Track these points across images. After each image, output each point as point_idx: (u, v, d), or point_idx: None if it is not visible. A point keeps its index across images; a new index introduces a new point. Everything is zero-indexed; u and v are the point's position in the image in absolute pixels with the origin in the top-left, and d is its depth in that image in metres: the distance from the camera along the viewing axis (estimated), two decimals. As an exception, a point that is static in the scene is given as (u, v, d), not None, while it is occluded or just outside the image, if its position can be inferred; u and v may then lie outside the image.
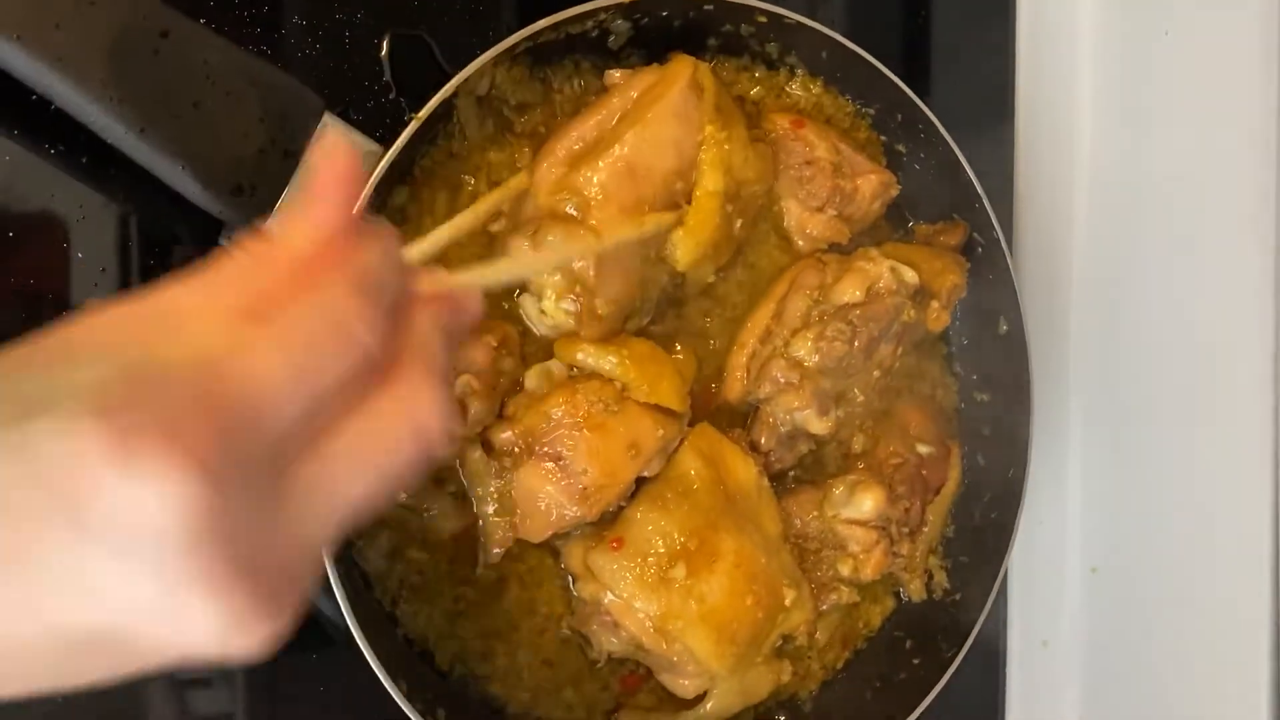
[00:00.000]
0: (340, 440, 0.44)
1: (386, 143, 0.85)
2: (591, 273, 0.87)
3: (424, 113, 0.84)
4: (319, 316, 0.44)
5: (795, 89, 1.03)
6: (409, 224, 0.89)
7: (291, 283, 0.44)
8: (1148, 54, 1.15)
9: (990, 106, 1.18)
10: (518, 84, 0.93)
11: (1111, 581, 1.19)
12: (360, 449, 0.45)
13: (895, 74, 0.99)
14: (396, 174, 0.88)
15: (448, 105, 0.88)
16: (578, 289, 0.88)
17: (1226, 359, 1.05)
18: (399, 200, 0.90)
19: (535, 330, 0.93)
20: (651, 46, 0.96)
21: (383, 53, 0.95)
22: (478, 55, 0.86)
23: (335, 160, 0.49)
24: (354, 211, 0.48)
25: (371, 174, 0.83)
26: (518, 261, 0.85)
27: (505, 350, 0.90)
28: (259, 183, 0.80)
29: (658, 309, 0.96)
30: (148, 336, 0.41)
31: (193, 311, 0.43)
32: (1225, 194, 1.05)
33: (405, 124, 0.85)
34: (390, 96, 0.95)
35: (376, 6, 0.94)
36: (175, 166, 0.77)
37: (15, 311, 0.85)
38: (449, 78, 0.85)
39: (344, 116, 0.92)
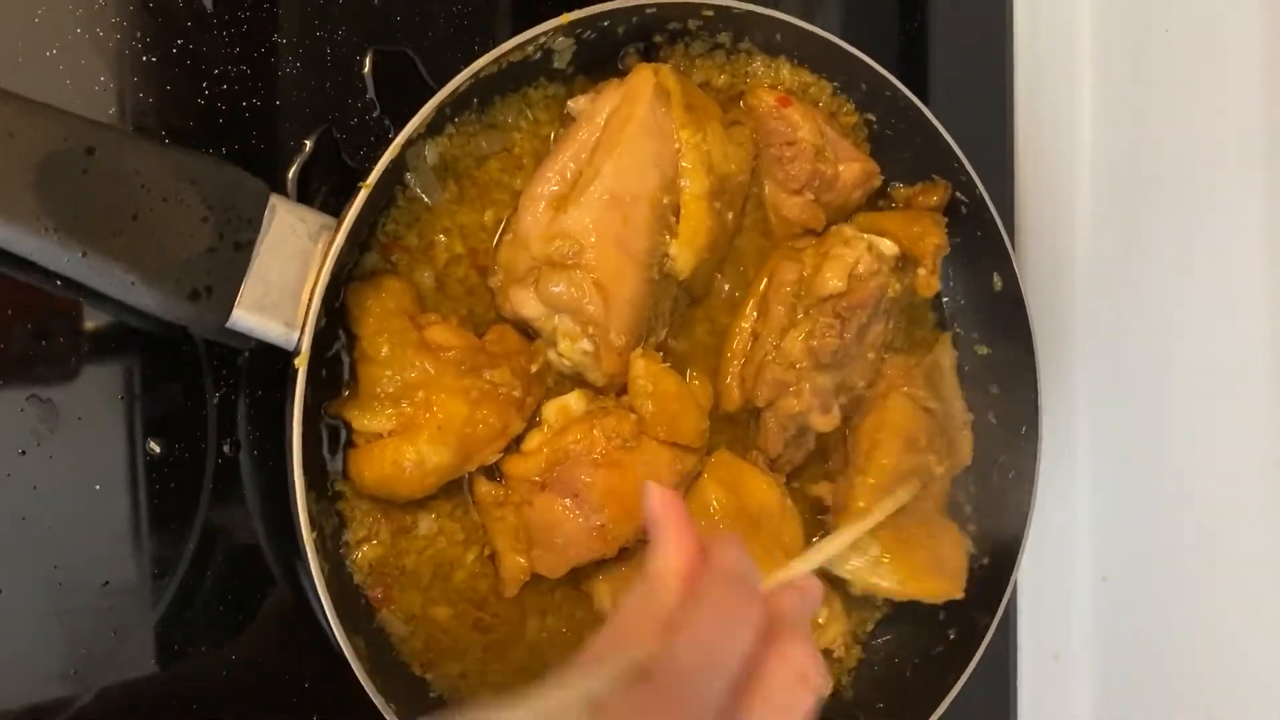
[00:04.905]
0: (755, 701, 0.61)
1: (371, 160, 0.82)
2: (597, 309, 0.85)
3: (372, 178, 0.81)
4: (712, 614, 0.62)
5: (759, 68, 0.99)
6: (383, 290, 0.86)
7: (684, 599, 0.63)
8: (1147, 48, 1.11)
9: (988, 89, 1.15)
10: (470, 138, 0.89)
11: (1123, 590, 1.16)
12: (773, 702, 0.61)
13: (894, 61, 0.96)
14: (358, 241, 0.85)
15: (400, 168, 0.84)
16: (591, 329, 0.86)
17: (1237, 355, 1.02)
18: (369, 264, 0.87)
19: (558, 369, 0.92)
20: (599, 58, 0.92)
21: (365, 70, 0.91)
22: (461, 69, 0.83)
23: (669, 510, 0.67)
24: (696, 539, 0.66)
25: (331, 246, 0.80)
26: (840, 538, 0.89)
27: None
28: (214, 283, 0.76)
29: (673, 319, 0.95)
30: (617, 647, 0.62)
31: (633, 631, 0.62)
32: (1228, 180, 1.01)
33: (389, 142, 0.82)
34: (374, 115, 0.91)
35: (358, 23, 0.91)
36: (125, 283, 0.74)
37: (26, 323, 0.83)
38: (434, 93, 0.82)
39: (327, 136, 0.90)
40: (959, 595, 0.99)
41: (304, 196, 0.89)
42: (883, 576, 0.95)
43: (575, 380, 0.92)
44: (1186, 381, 1.08)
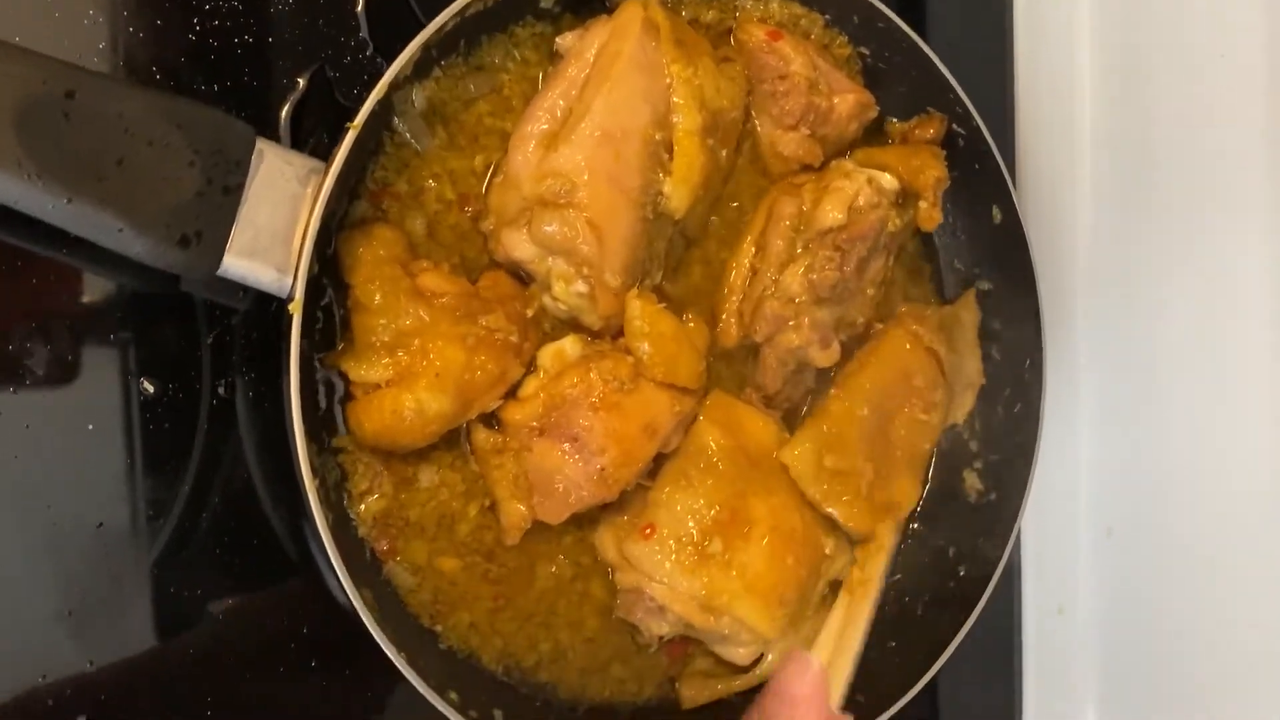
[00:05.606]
0: None
1: (364, 100, 0.81)
2: (591, 249, 0.84)
3: (359, 119, 0.80)
4: None
5: (747, 2, 0.97)
6: (374, 238, 0.84)
7: None
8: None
9: (986, 20, 1.14)
10: (458, 81, 0.88)
11: (1128, 543, 1.14)
12: None
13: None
14: (347, 188, 0.84)
15: (388, 112, 0.83)
16: (585, 270, 0.85)
17: (1243, 295, 1.00)
18: (359, 212, 0.86)
19: (554, 313, 0.91)
20: (586, -7, 0.91)
21: (359, 8, 0.90)
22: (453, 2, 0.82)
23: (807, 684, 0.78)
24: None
25: (320, 192, 0.79)
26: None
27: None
28: (204, 228, 0.75)
29: (668, 261, 0.94)
30: None
31: None
32: (1233, 107, 1.00)
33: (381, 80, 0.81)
34: (367, 53, 0.91)
35: (352, -40, 0.90)
36: (112, 230, 0.73)
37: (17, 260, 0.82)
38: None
39: (320, 74, 0.89)
40: (871, 538, 0.97)
41: (297, 136, 0.88)
42: (808, 484, 0.94)
43: (571, 325, 0.91)
44: (1193, 324, 1.07)
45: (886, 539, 0.98)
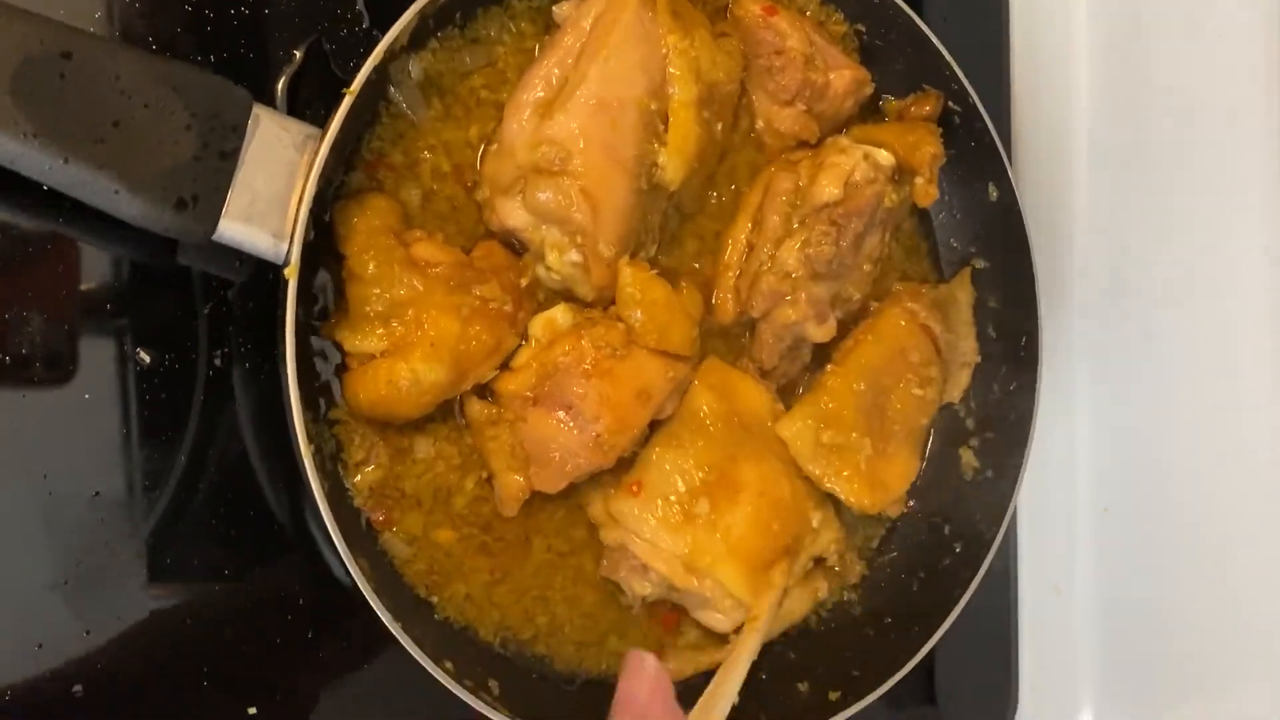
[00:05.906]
0: None
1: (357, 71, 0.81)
2: (585, 218, 0.84)
3: (356, 85, 0.80)
4: None
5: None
6: (368, 208, 0.84)
7: None
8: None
9: None
10: (454, 53, 0.89)
11: (1125, 522, 1.13)
12: None
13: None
14: (343, 158, 0.84)
15: (385, 82, 0.84)
16: (579, 239, 0.85)
17: (1242, 270, 1.00)
18: (355, 183, 0.86)
19: (547, 284, 0.91)
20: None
21: None
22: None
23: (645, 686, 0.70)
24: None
25: (316, 157, 0.79)
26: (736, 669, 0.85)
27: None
28: (200, 192, 0.75)
29: (663, 235, 0.94)
30: None
31: None
32: (1230, 83, 1.00)
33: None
34: (364, 26, 0.91)
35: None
36: (109, 192, 0.73)
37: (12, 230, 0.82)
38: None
39: (317, 46, 0.89)
40: (872, 512, 0.98)
41: (294, 109, 0.88)
42: (806, 460, 0.94)
43: (564, 295, 0.91)
44: (1189, 302, 1.07)
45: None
